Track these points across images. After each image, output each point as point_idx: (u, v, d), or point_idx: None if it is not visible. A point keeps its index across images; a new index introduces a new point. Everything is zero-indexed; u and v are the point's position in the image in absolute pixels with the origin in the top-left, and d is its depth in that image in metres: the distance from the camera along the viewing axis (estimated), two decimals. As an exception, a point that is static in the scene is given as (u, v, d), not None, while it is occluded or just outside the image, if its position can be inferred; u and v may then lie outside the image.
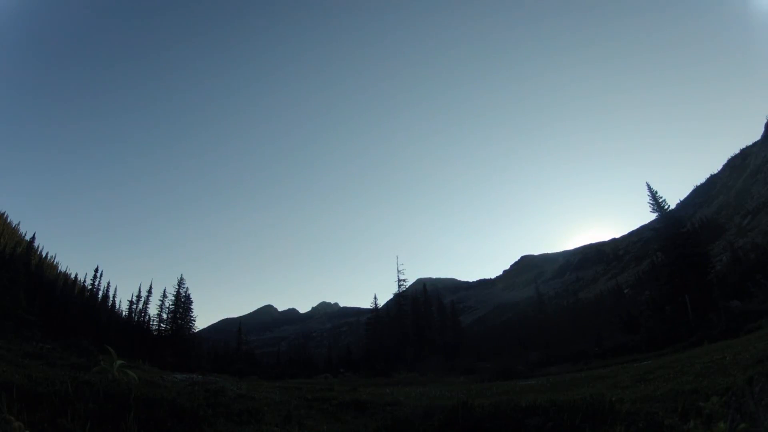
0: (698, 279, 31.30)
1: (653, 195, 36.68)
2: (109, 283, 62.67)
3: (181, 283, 58.59)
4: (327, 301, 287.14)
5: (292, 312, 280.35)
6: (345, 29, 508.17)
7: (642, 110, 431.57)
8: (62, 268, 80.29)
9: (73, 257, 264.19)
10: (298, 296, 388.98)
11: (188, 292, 58.92)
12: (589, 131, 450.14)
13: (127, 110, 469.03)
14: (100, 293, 60.54)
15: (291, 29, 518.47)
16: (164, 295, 58.19)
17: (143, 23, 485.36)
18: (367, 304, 74.10)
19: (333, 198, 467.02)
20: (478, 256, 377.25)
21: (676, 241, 34.50)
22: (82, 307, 56.28)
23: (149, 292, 60.25)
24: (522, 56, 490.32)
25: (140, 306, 60.01)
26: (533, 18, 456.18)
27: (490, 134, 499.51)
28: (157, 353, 50.67)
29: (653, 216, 40.32)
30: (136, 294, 61.43)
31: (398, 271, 62.30)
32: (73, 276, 75.09)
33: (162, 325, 57.94)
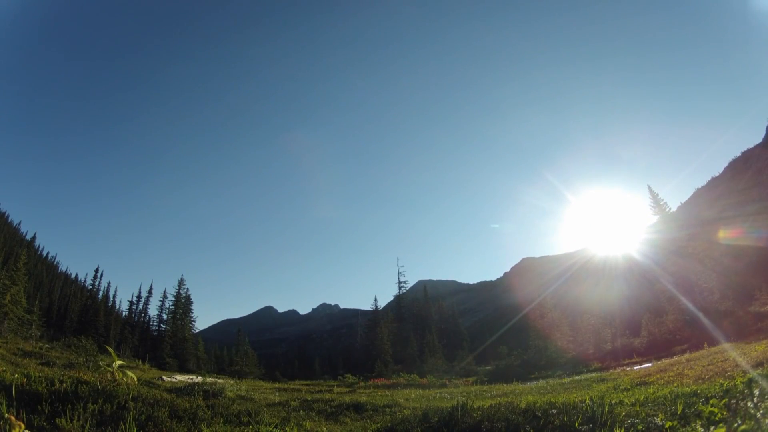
0: (699, 282, 31.23)
1: (654, 197, 36.64)
2: (109, 283, 63.04)
3: (181, 283, 58.66)
4: (327, 302, 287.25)
5: (292, 313, 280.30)
6: (346, 31, 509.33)
7: (642, 112, 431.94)
8: (62, 268, 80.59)
9: (73, 257, 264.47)
10: (299, 297, 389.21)
11: (188, 292, 59.01)
12: (590, 133, 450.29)
13: (127, 111, 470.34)
14: (100, 293, 60.58)
15: (289, 29, 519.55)
16: (164, 296, 58.26)
17: (144, 27, 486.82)
18: (367, 305, 74.08)
19: (334, 199, 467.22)
20: (479, 259, 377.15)
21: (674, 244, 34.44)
22: (82, 306, 56.27)
23: (149, 292, 60.36)
24: (525, 57, 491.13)
25: (140, 306, 60.10)
26: (535, 21, 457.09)
27: (492, 135, 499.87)
28: (156, 354, 50.69)
29: (654, 219, 40.32)
30: (136, 294, 61.60)
31: (399, 273, 62.37)
32: (73, 276, 75.34)
33: (162, 325, 57.96)
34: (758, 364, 8.82)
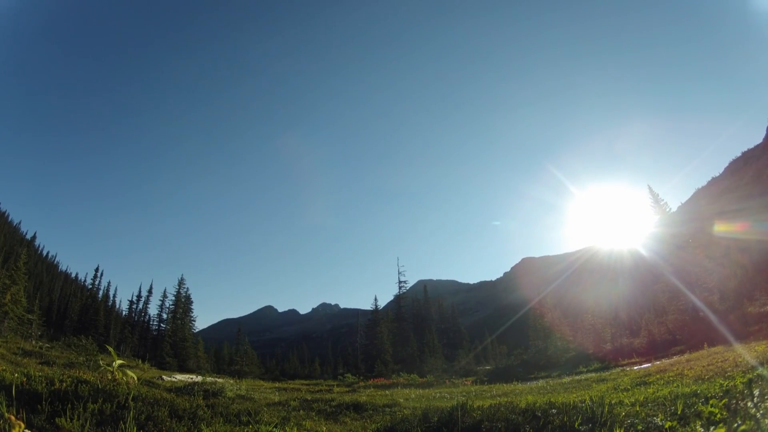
0: (699, 282, 31.19)
1: (655, 197, 36.57)
2: (109, 283, 63.07)
3: (181, 283, 58.60)
4: (327, 302, 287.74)
5: (292, 313, 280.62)
6: (347, 28, 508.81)
7: (645, 108, 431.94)
8: (63, 267, 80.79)
9: (73, 257, 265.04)
10: (299, 297, 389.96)
11: (188, 292, 58.98)
12: (591, 129, 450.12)
13: (127, 110, 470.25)
14: (100, 293, 60.60)
15: (294, 31, 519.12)
16: (164, 296, 58.23)
17: (143, 26, 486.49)
18: (367, 305, 73.92)
19: (334, 198, 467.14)
20: (480, 258, 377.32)
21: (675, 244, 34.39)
22: (82, 306, 56.32)
23: (149, 292, 60.37)
24: (526, 54, 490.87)
25: (140, 306, 60.09)
26: (537, 18, 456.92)
27: (493, 133, 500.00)
28: (156, 353, 50.71)
29: (655, 219, 40.22)
30: (136, 294, 61.59)
31: (399, 273, 62.20)
32: (73, 275, 75.49)
33: (162, 325, 57.94)
34: (759, 365, 8.81)
